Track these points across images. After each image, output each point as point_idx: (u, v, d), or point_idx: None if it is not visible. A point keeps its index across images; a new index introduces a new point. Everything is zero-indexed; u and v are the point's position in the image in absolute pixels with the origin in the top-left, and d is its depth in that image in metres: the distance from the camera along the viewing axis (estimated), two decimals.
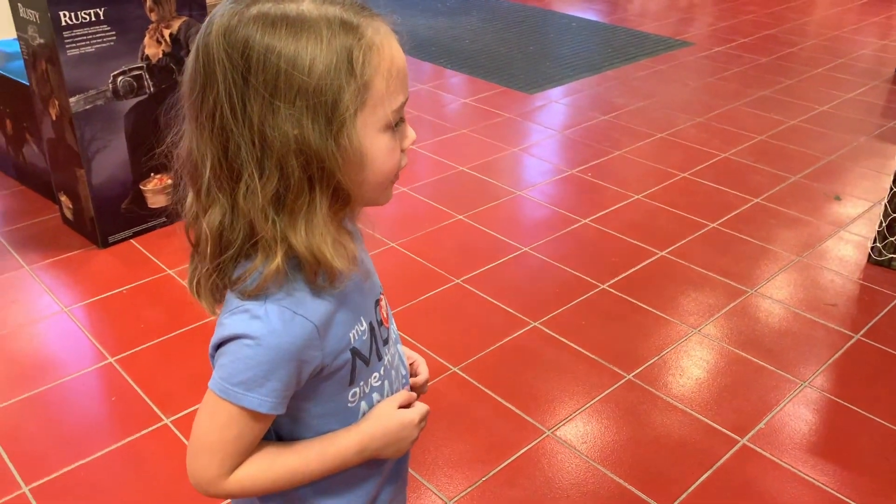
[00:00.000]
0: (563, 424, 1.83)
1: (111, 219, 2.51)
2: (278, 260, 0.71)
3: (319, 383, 0.79)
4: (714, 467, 1.72)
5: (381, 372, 0.86)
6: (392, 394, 0.88)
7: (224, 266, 0.75)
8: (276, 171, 0.70)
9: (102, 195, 2.47)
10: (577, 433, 1.81)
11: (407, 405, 0.88)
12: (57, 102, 2.38)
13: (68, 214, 2.61)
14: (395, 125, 0.75)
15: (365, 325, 0.82)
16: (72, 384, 1.94)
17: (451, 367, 2.00)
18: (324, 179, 0.71)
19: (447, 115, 3.68)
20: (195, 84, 0.71)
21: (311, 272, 0.73)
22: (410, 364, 0.97)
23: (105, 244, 2.52)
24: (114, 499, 1.63)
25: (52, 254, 2.50)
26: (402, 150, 0.78)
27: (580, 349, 2.08)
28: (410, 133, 0.79)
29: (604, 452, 1.75)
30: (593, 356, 2.05)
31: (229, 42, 0.68)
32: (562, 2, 5.71)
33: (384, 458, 0.86)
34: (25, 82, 2.55)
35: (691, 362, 2.05)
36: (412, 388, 0.95)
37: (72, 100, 2.32)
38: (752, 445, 1.78)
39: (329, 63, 0.69)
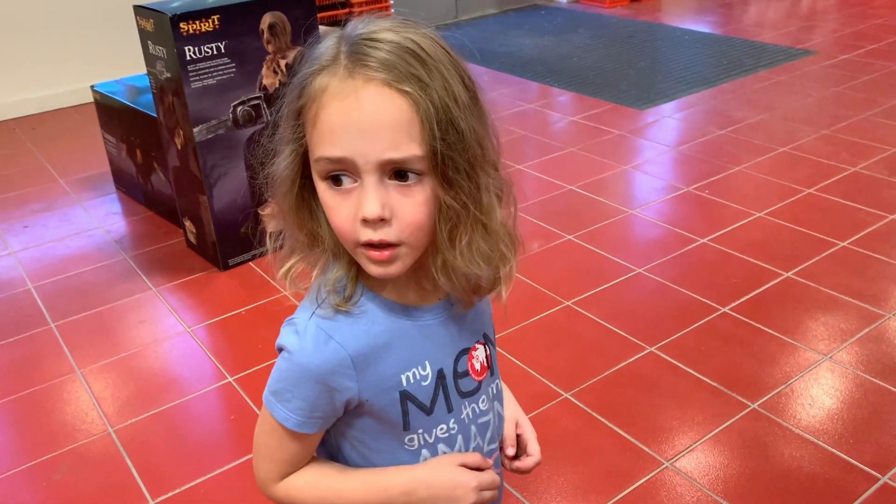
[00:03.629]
0: (683, 455, 1.75)
1: (231, 242, 2.62)
2: (317, 270, 0.77)
3: (364, 417, 0.78)
4: None
5: (450, 425, 0.81)
6: (467, 451, 0.84)
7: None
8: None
9: (223, 220, 2.57)
10: (698, 465, 1.72)
11: (474, 468, 0.81)
12: (182, 132, 2.50)
13: (192, 238, 2.74)
14: (336, 183, 0.69)
15: (428, 371, 0.79)
16: (194, 402, 2.02)
17: (562, 392, 1.95)
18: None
19: (554, 134, 3.64)
20: None
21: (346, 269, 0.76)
22: (518, 436, 0.92)
23: (225, 266, 2.63)
24: None
25: (177, 276, 2.62)
26: (360, 221, 0.69)
27: (700, 376, 1.98)
28: (365, 204, 0.67)
29: (727, 486, 1.66)
30: (714, 384, 1.95)
31: None
32: (673, 15, 5.56)
33: None
34: (153, 114, 2.70)
35: (822, 391, 1.91)
36: (506, 461, 0.90)
37: (195, 129, 2.43)
38: (893, 484, 1.63)
39: (293, 85, 0.72)
